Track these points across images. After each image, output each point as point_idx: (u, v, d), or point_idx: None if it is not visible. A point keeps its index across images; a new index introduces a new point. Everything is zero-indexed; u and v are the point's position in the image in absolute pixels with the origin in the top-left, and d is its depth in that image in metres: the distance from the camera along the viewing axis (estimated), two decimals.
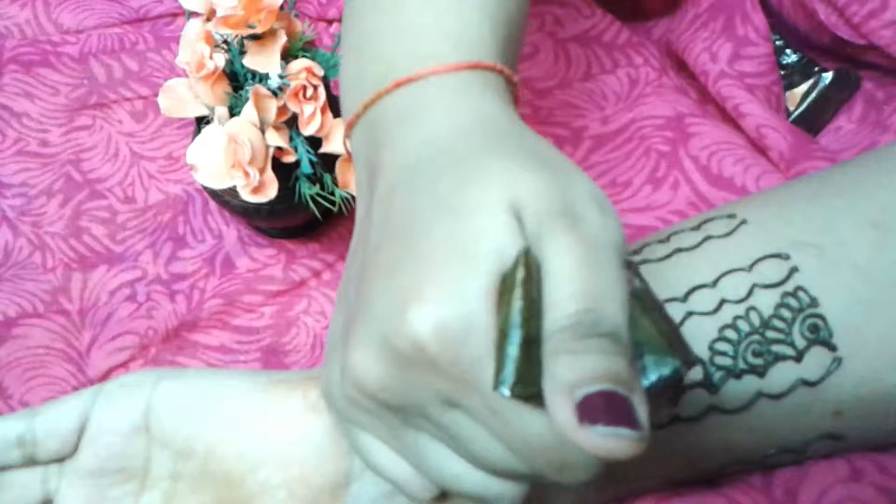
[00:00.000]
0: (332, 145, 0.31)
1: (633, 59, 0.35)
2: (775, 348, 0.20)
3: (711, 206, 0.31)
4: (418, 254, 0.15)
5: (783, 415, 0.20)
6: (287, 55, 0.31)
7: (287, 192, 0.31)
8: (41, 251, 0.37)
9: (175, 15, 0.43)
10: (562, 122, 0.34)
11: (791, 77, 0.33)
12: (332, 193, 0.31)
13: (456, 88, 0.19)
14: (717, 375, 0.20)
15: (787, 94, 0.33)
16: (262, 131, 0.30)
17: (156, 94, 0.32)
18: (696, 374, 0.21)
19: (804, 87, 0.33)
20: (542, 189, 0.15)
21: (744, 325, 0.20)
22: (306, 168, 0.30)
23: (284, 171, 0.31)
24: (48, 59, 0.42)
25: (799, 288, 0.20)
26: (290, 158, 0.31)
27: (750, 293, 0.20)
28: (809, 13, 0.31)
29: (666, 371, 0.15)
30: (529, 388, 0.14)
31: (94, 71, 0.42)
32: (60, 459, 0.21)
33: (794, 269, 0.20)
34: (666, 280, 0.21)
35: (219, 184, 0.30)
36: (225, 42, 0.30)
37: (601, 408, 0.13)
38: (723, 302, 0.21)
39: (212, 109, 0.31)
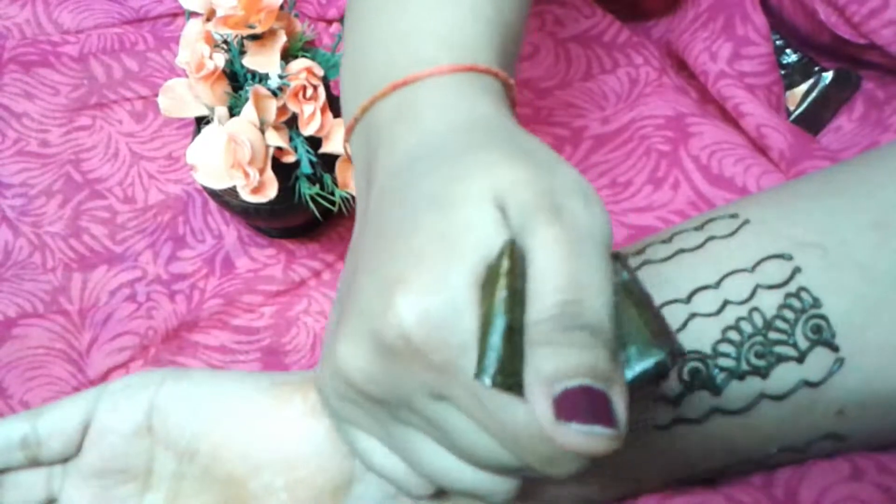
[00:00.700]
0: (332, 145, 0.31)
1: (634, 58, 0.35)
2: (778, 349, 0.20)
3: (712, 206, 0.31)
4: (404, 246, 0.15)
5: (785, 415, 0.20)
6: (287, 55, 0.31)
7: (287, 192, 0.31)
8: (41, 251, 0.37)
9: (175, 15, 0.43)
10: (562, 122, 0.34)
11: (791, 77, 0.33)
12: (332, 193, 0.31)
13: (450, 90, 0.19)
14: (720, 377, 0.20)
15: (788, 94, 0.33)
16: (262, 131, 0.30)
17: (156, 95, 0.32)
18: (698, 376, 0.21)
19: (804, 86, 0.33)
20: (526, 180, 0.15)
21: (746, 327, 0.20)
22: (306, 168, 0.30)
23: (284, 171, 0.31)
24: (48, 60, 0.42)
25: (802, 288, 0.20)
26: (290, 158, 0.31)
27: (753, 294, 0.20)
28: (809, 13, 0.31)
29: (650, 363, 0.15)
30: (511, 378, 0.14)
31: (94, 71, 0.42)
32: (64, 460, 0.21)
33: (796, 270, 0.20)
34: (669, 281, 0.21)
35: (219, 184, 0.30)
36: (225, 42, 0.30)
37: (578, 404, 0.13)
38: (726, 303, 0.21)
39: (212, 109, 0.31)
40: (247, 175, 0.29)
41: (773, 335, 0.20)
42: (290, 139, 0.31)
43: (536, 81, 0.35)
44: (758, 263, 0.21)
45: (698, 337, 0.20)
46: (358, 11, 0.22)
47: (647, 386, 0.15)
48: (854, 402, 0.20)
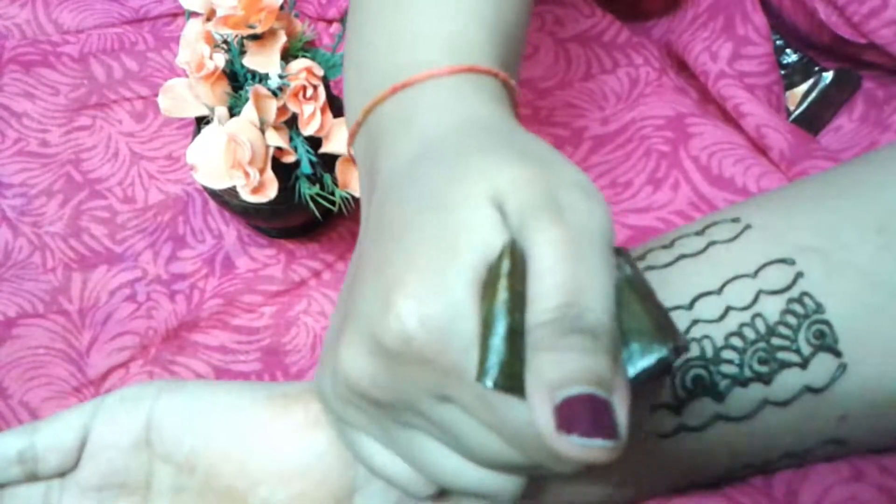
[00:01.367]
0: (332, 145, 0.31)
1: (633, 58, 0.35)
2: (781, 355, 0.20)
3: (712, 207, 0.31)
4: (403, 249, 0.15)
5: (788, 421, 0.20)
6: (287, 55, 0.31)
7: (287, 192, 0.31)
8: (41, 251, 0.37)
9: (175, 15, 0.43)
10: (562, 122, 0.34)
11: (791, 77, 0.33)
12: (332, 193, 0.31)
13: (449, 92, 0.19)
14: (723, 384, 0.20)
15: (788, 93, 0.33)
16: (262, 131, 0.30)
17: (156, 94, 0.32)
18: (700, 383, 0.21)
19: (804, 86, 0.33)
20: (525, 180, 0.15)
21: (749, 333, 0.20)
22: (306, 168, 0.30)
23: (284, 171, 0.31)
24: (48, 59, 0.42)
25: (804, 294, 0.20)
26: (290, 158, 0.31)
27: (755, 300, 0.20)
28: (809, 12, 0.31)
29: (653, 359, 0.15)
30: (513, 380, 0.14)
31: (94, 71, 0.42)
32: (62, 474, 0.21)
33: (799, 275, 0.20)
34: (671, 288, 0.21)
35: (219, 184, 0.30)
36: (225, 42, 0.30)
37: (579, 415, 0.13)
38: (728, 309, 0.20)
39: (212, 109, 0.31)
40: (247, 175, 0.29)
41: (776, 341, 0.20)
42: (290, 139, 0.31)
43: (536, 81, 0.35)
44: (760, 269, 0.21)
45: (701, 343, 0.20)
46: (359, 13, 0.22)
47: (650, 381, 0.15)
48: (856, 408, 0.20)
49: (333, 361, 0.17)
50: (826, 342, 0.20)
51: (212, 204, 0.38)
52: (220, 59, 0.29)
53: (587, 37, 0.36)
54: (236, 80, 0.31)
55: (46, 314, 0.35)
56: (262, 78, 0.30)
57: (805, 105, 0.33)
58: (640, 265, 0.23)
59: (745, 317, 0.20)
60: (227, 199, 0.33)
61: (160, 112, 0.31)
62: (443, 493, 0.19)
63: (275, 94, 0.30)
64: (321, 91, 0.30)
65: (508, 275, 0.14)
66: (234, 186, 0.30)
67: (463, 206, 0.15)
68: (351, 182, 0.32)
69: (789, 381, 0.20)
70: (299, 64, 0.30)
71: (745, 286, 0.21)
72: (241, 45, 0.30)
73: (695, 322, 0.20)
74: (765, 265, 0.21)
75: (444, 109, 0.18)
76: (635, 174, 0.31)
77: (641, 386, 0.15)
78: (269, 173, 0.30)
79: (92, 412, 0.21)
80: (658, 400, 0.20)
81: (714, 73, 0.32)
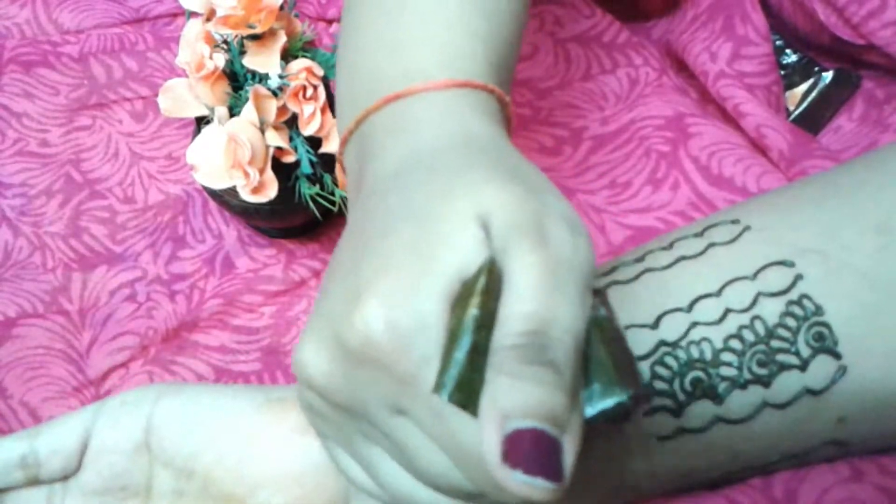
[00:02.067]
0: (332, 145, 0.31)
1: (633, 59, 0.35)
2: (780, 358, 0.20)
3: (712, 207, 0.31)
4: (380, 253, 0.15)
5: (788, 423, 0.20)
6: (287, 55, 0.31)
7: (287, 192, 0.31)
8: (41, 251, 0.37)
9: (175, 15, 0.44)
10: (562, 122, 0.34)
11: (791, 77, 0.33)
12: (332, 193, 0.31)
13: (443, 105, 0.19)
14: (722, 386, 0.20)
15: (788, 94, 0.33)
16: (262, 131, 0.30)
17: (156, 94, 0.32)
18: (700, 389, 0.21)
19: (804, 86, 0.33)
20: (513, 203, 0.15)
21: (749, 335, 0.20)
22: (306, 168, 0.30)
23: (284, 171, 0.31)
24: (48, 60, 0.42)
25: (804, 296, 0.20)
26: (290, 158, 0.31)
27: (754, 302, 0.20)
28: (809, 13, 0.31)
29: (611, 403, 0.14)
30: (469, 398, 0.14)
31: (94, 71, 0.42)
32: (64, 477, 0.21)
33: (798, 277, 0.20)
34: (670, 290, 0.21)
35: (219, 184, 0.30)
36: (225, 42, 0.30)
37: (526, 452, 0.13)
38: (727, 311, 0.20)
39: (212, 109, 0.31)
40: (247, 175, 0.29)
41: (775, 343, 0.20)
42: (290, 139, 0.31)
43: (536, 82, 0.35)
44: (759, 271, 0.21)
45: (700, 346, 0.20)
46: (353, 16, 0.22)
47: (606, 424, 0.15)
48: (856, 410, 0.20)
49: (296, 362, 0.17)
50: (825, 344, 0.20)
51: (212, 204, 0.38)
52: (220, 59, 0.29)
53: (587, 37, 0.36)
54: (236, 80, 0.31)
55: (46, 314, 0.35)
56: (262, 78, 0.30)
57: (805, 105, 0.33)
58: (640, 267, 0.22)
59: (745, 319, 0.20)
60: (227, 199, 0.33)
61: (160, 112, 0.31)
62: None
63: (275, 94, 0.30)
64: (321, 91, 0.30)
65: (483, 292, 0.14)
66: (234, 186, 0.30)
67: (448, 220, 0.15)
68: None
69: (789, 383, 0.20)
70: (299, 64, 0.30)
71: (744, 288, 0.20)
72: (241, 45, 0.30)
73: (694, 324, 0.20)
74: (764, 267, 0.21)
75: (439, 124, 0.18)
76: (635, 174, 0.31)
77: (596, 427, 0.15)
78: (269, 173, 0.30)
79: (93, 416, 0.21)
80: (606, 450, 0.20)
81: (713, 73, 0.32)
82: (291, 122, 0.31)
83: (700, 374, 0.20)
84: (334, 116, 0.31)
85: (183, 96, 0.31)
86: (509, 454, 0.13)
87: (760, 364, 0.20)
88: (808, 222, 0.21)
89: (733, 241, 0.22)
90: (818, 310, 0.20)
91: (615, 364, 0.15)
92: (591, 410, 0.15)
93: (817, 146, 0.31)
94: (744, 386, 0.20)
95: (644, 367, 0.21)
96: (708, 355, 0.20)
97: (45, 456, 0.20)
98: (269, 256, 0.37)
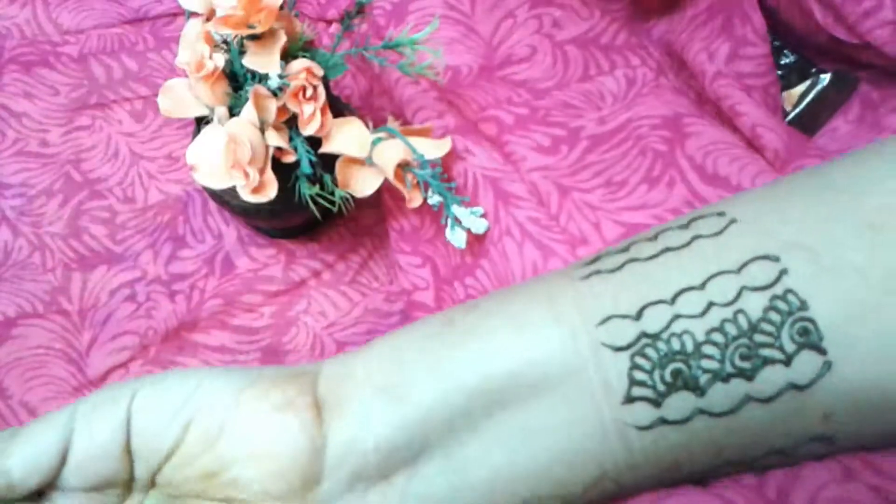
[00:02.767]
0: (332, 145, 0.31)
1: (631, 59, 0.35)
2: (764, 352, 0.20)
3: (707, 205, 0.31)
4: None
5: (772, 418, 0.20)
6: (287, 55, 0.31)
7: (287, 192, 0.31)
8: (41, 251, 0.37)
9: (175, 15, 0.44)
10: (559, 122, 0.34)
11: (788, 77, 0.33)
12: (332, 193, 0.31)
13: None
14: (704, 378, 0.20)
15: (785, 94, 0.33)
16: (262, 131, 0.30)
17: (156, 95, 0.32)
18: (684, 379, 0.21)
19: (801, 87, 0.33)
20: None
21: (731, 329, 0.20)
22: (306, 168, 0.30)
23: (284, 171, 0.31)
24: (48, 60, 0.42)
25: (788, 291, 0.20)
26: (290, 158, 0.31)
27: (738, 296, 0.20)
28: (806, 14, 0.31)
29: None
30: None
31: (93, 71, 0.42)
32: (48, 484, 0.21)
33: (783, 272, 0.20)
34: (653, 281, 0.21)
35: (219, 184, 0.30)
36: (225, 42, 0.31)
37: None
38: (710, 305, 0.20)
39: (212, 109, 0.31)
40: (247, 175, 0.29)
41: (758, 337, 0.20)
42: (290, 139, 0.31)
43: (533, 82, 0.35)
44: (744, 265, 0.20)
45: (681, 338, 0.20)
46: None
47: None
48: (842, 406, 0.20)
49: None
50: (810, 339, 0.20)
51: (212, 204, 0.38)
52: (220, 59, 0.29)
53: (584, 39, 0.36)
54: (236, 80, 0.31)
55: (46, 314, 0.35)
56: (262, 78, 0.30)
57: (802, 106, 0.33)
58: (624, 257, 0.23)
59: (728, 313, 0.20)
60: (227, 199, 0.33)
61: (160, 112, 0.31)
62: None
63: (275, 94, 0.30)
64: (321, 91, 0.30)
65: None
66: (234, 186, 0.30)
67: None
68: (351, 182, 0.32)
69: (772, 377, 0.20)
70: (299, 64, 0.30)
71: (727, 282, 0.20)
72: (241, 45, 0.30)
73: (676, 317, 0.20)
74: (749, 261, 0.20)
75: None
76: (630, 173, 0.32)
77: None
78: (269, 173, 0.30)
79: (67, 424, 0.20)
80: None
81: (711, 73, 0.32)
82: (291, 122, 0.31)
83: (681, 365, 0.20)
84: (334, 116, 0.31)
85: (183, 96, 0.31)
86: None
87: (743, 357, 0.20)
88: (797, 216, 0.21)
89: (719, 233, 0.21)
90: (803, 305, 0.20)
91: None
92: None
93: (813, 146, 0.31)
94: (726, 379, 0.20)
95: (624, 358, 0.21)
96: (690, 347, 0.20)
97: (19, 478, 0.20)
98: (269, 256, 0.37)
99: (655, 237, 0.23)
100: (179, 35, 0.32)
